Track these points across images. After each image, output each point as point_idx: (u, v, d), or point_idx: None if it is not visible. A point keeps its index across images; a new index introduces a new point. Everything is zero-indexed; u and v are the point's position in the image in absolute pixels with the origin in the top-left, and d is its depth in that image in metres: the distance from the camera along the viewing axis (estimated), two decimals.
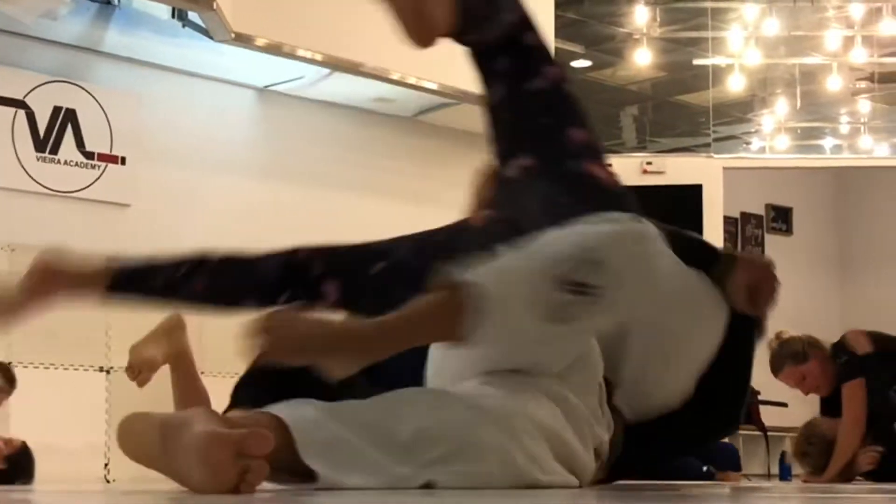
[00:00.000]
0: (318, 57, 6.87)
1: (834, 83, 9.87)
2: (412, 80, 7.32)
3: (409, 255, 2.32)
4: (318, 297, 2.37)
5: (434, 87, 7.45)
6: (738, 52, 9.69)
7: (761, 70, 9.89)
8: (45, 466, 5.23)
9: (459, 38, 2.26)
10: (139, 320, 6.33)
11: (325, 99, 7.46)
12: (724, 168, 9.03)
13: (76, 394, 6.18)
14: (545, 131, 2.20)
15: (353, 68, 7.03)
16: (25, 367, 5.94)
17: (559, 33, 8.48)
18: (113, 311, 6.42)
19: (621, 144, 9.61)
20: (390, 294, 2.15)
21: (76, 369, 6.21)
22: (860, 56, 9.76)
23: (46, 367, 6.10)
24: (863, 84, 10.30)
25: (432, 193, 7.83)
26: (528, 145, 2.20)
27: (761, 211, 11.78)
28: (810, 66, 9.98)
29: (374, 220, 7.73)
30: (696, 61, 9.85)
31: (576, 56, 9.59)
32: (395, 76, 7.21)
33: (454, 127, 8.01)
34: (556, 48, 8.24)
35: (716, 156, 9.26)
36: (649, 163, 9.05)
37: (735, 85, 9.71)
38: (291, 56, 6.75)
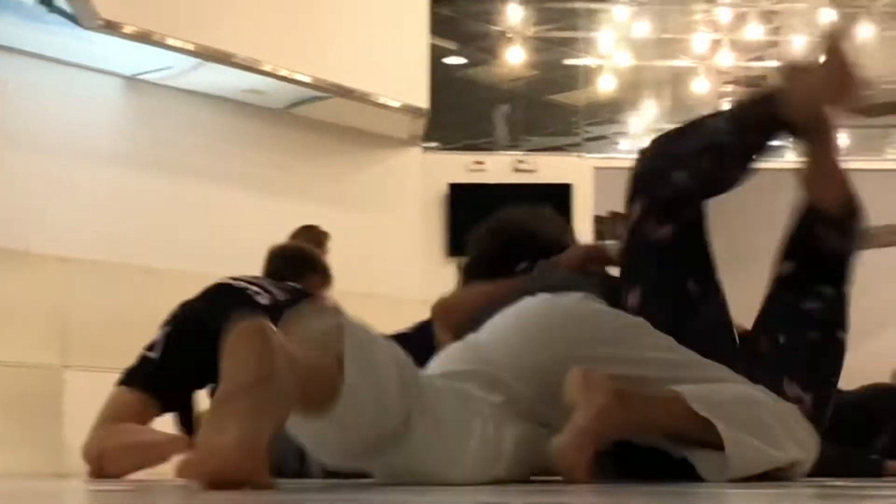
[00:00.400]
0: (189, 46, 6.76)
1: (701, 86, 10.05)
2: (284, 73, 7.25)
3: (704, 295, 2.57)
4: (650, 199, 2.50)
5: (307, 79, 7.39)
6: (609, 53, 9.81)
7: (631, 71, 10.03)
8: None
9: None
10: (15, 310, 6.18)
11: (194, 89, 7.34)
12: (595, 168, 9.13)
13: None
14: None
15: (224, 59, 6.93)
16: None
17: (433, 29, 8.49)
18: None
19: (493, 142, 9.65)
20: (642, 281, 2.48)
21: None
22: (727, 60, 9.97)
23: None
24: (729, 87, 10.52)
25: (302, 187, 7.78)
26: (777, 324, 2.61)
27: None
28: (678, 68, 10.15)
29: (242, 212, 7.68)
30: (567, 61, 9.95)
31: (449, 53, 9.60)
32: (266, 68, 7.13)
33: (325, 120, 7.96)
34: (431, 44, 8.25)
35: (586, 155, 9.36)
36: (521, 161, 9.12)
37: (605, 86, 9.83)
38: (160, 45, 6.63)
